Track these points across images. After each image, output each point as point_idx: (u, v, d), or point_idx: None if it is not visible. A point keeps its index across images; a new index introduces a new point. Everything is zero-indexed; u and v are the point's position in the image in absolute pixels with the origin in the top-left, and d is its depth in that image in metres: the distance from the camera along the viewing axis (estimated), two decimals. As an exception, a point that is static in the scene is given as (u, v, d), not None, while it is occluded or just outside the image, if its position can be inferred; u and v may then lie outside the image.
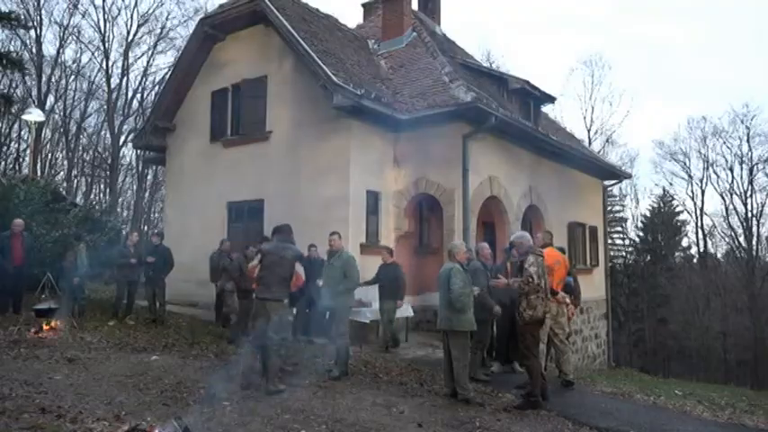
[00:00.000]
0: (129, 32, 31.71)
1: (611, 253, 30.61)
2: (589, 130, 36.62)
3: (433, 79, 12.95)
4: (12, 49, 26.83)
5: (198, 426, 4.37)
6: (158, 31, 32.50)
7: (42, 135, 30.77)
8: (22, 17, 23.15)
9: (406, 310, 10.68)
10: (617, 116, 61.08)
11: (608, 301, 18.00)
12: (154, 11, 34.69)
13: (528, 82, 14.40)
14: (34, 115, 19.85)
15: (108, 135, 32.52)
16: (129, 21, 35.40)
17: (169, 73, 19.89)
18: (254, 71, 13.16)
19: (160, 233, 12.24)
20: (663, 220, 36.75)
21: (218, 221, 13.30)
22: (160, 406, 5.48)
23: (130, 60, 32.19)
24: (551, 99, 15.98)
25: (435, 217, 12.38)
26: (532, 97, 14.81)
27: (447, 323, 6.41)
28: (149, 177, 34.17)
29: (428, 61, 13.81)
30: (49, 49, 39.65)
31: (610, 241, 28.13)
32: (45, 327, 8.93)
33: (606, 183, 19.24)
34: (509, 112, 12.94)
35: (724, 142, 35.84)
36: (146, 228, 30.61)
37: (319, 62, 11.33)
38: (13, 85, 28.43)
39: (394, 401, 6.17)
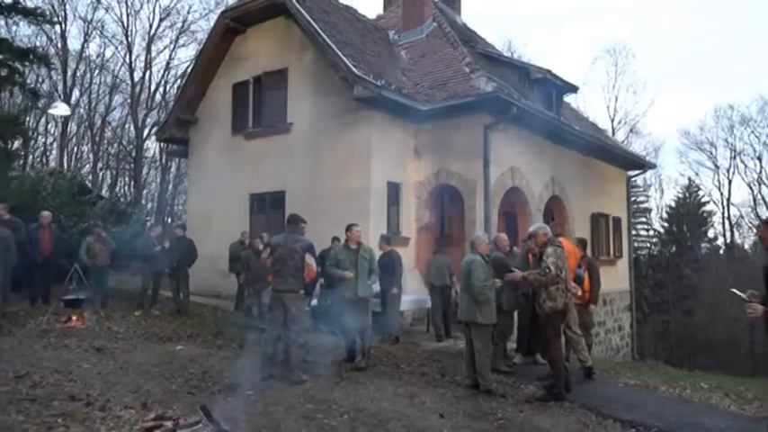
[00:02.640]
0: (151, 26, 32.08)
1: (636, 244, 30.22)
2: (613, 120, 36.18)
3: (454, 70, 12.87)
4: (38, 44, 27.26)
5: (223, 414, 4.43)
6: (180, 24, 32.80)
7: (68, 129, 31.33)
8: (48, 13, 23.53)
9: (427, 301, 10.69)
10: (641, 105, 59.92)
11: (632, 292, 17.80)
12: (175, 4, 35.09)
13: (550, 71, 14.23)
14: (60, 109, 20.22)
15: (132, 128, 32.97)
16: (152, 15, 35.80)
17: (191, 66, 20.08)
18: (275, 63, 13.21)
19: (183, 225, 12.41)
20: (688, 211, 36.17)
21: (241, 213, 13.42)
22: (186, 395, 5.58)
23: (153, 54, 32.60)
24: (574, 88, 15.77)
25: (456, 208, 12.34)
26: (555, 87, 14.64)
27: (469, 315, 6.40)
28: (173, 170, 34.59)
29: (449, 51, 13.72)
30: (74, 43, 40.21)
31: (634, 232, 27.78)
32: (73, 317, 9.14)
33: (630, 173, 18.98)
34: (531, 102, 12.82)
35: (752, 131, 35.18)
36: (169, 219, 30.99)
37: (339, 54, 11.33)
38: (40, 80, 28.93)
39: (415, 392, 6.19)
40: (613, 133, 32.76)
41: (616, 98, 36.67)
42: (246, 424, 4.63)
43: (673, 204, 37.26)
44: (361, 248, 7.57)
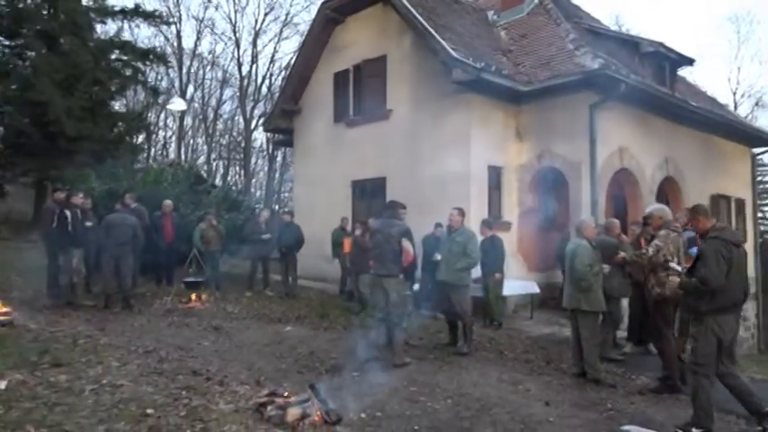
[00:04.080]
0: (256, 21, 33.59)
1: (762, 228, 27.74)
2: (735, 93, 33.41)
3: (557, 47, 12.39)
4: (156, 44, 29.29)
5: (330, 393, 4.61)
6: (283, 17, 33.98)
7: (184, 122, 33.47)
8: (165, 14, 25.18)
9: (531, 287, 10.47)
10: (768, 76, 54.75)
11: (758, 280, 16.39)
12: (279, -1, 36.20)
13: (662, 44, 13.32)
14: (177, 104, 21.68)
15: (241, 120, 34.71)
16: (257, 10, 37.16)
17: (294, 58, 20.73)
18: (374, 51, 13.34)
19: (291, 212, 12.93)
20: (823, 190, 32.64)
21: (343, 199, 13.77)
22: (295, 374, 5.86)
23: (259, 48, 34.14)
24: (689, 61, 14.66)
25: (561, 191, 11.93)
26: (668, 60, 13.70)
27: (574, 302, 6.21)
28: (279, 159, 36.08)
29: (551, 29, 13.21)
30: (188, 42, 42.78)
31: (760, 215, 25.48)
32: (193, 297, 9.84)
33: (755, 150, 17.41)
34: (641, 77, 12.08)
35: None
36: (277, 206, 32.40)
37: (438, 38, 11.24)
38: (159, 78, 31.10)
39: (520, 379, 6.12)
40: (735, 107, 30.18)
41: (738, 69, 33.81)
42: (352, 404, 4.78)
43: (806, 183, 33.79)
44: (456, 232, 7.52)
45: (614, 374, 6.52)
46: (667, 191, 13.60)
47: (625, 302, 7.68)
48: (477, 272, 9.34)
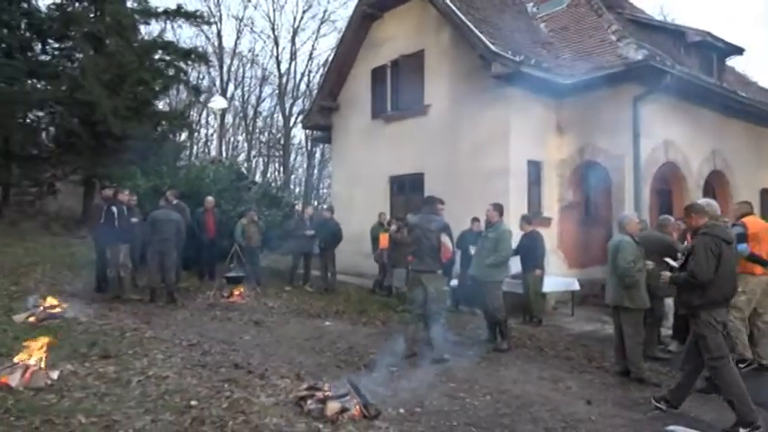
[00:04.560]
0: (295, 19, 33.85)
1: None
2: (788, 83, 31.94)
3: (599, 39, 12.12)
4: (197, 44, 29.88)
5: (369, 388, 4.64)
6: (321, 15, 34.21)
7: (225, 120, 34.06)
8: (206, 14, 25.67)
9: (571, 283, 10.31)
10: (826, 63, 52.16)
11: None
12: (317, -4, 36.46)
13: (709, 33, 12.90)
14: (218, 103, 22.06)
15: (280, 117, 35.12)
16: (296, 8, 37.48)
17: (331, 55, 20.84)
18: (412, 46, 13.31)
19: (330, 208, 13.04)
20: None
21: (381, 195, 13.80)
22: (334, 368, 5.92)
23: (297, 46, 34.41)
24: (738, 50, 14.16)
25: (603, 186, 11.69)
26: (715, 50, 13.27)
27: (617, 299, 6.08)
28: (317, 155, 36.40)
29: (592, 20, 12.93)
30: (228, 41, 43.53)
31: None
32: (235, 292, 10.02)
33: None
34: (687, 68, 11.72)
35: None
36: (315, 202, 32.71)
37: (476, 32, 11.14)
38: (200, 77, 31.72)
39: (560, 376, 6.03)
40: (789, 98, 28.93)
41: (793, 57, 32.20)
42: (391, 399, 4.81)
43: None
44: (490, 228, 7.49)
45: (659, 373, 6.36)
46: (715, 185, 13.19)
47: (670, 299, 7.47)
48: (516, 268, 9.27)
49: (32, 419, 3.82)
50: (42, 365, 4.68)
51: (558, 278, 10.47)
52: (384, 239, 11.15)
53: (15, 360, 4.69)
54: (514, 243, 9.03)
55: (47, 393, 4.38)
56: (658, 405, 5.01)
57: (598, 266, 10.45)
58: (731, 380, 4.57)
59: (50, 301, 7.49)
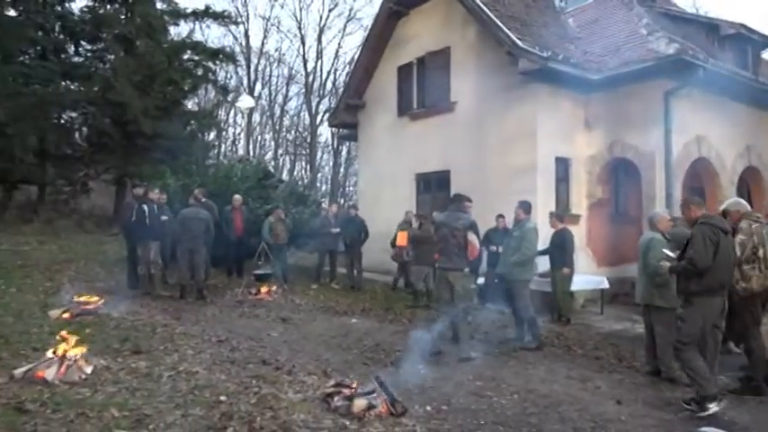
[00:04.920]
0: (321, 18, 33.98)
1: None
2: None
3: (629, 33, 11.90)
4: (225, 44, 30.23)
5: (395, 385, 4.64)
6: (347, 13, 34.30)
7: (253, 119, 34.41)
8: (233, 14, 25.95)
9: (601, 281, 10.17)
10: None
11: None
12: (343, -6, 36.54)
13: (744, 25, 12.57)
14: (246, 102, 22.28)
15: (306, 116, 35.34)
16: (322, 7, 37.58)
17: (357, 53, 20.89)
18: (438, 43, 13.26)
19: (355, 205, 13.08)
20: None
21: (408, 193, 13.79)
22: (361, 365, 5.94)
23: (323, 44, 34.57)
24: (774, 43, 13.77)
25: (633, 183, 11.49)
26: (750, 43, 12.91)
27: (648, 297, 5.98)
28: (343, 153, 36.55)
29: (622, 14, 12.71)
30: (255, 40, 43.92)
31: None
32: (262, 289, 10.13)
33: None
34: (721, 62, 11.44)
35: None
36: (342, 200, 32.85)
37: (503, 28, 11.05)
38: (228, 77, 32.08)
39: (589, 376, 5.95)
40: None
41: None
42: (418, 396, 4.81)
43: None
44: (516, 225, 7.44)
45: (691, 374, 6.23)
46: (749, 181, 12.88)
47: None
48: (545, 266, 9.19)
49: (67, 412, 3.92)
50: (77, 360, 4.78)
51: (586, 276, 10.33)
52: (402, 237, 11.14)
53: (51, 355, 4.81)
54: (545, 241, 9.00)
55: (81, 387, 4.48)
56: (688, 406, 4.91)
57: (628, 264, 10.28)
58: (694, 363, 4.90)
59: (85, 297, 7.66)
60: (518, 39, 10.75)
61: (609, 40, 12.15)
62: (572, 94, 11.57)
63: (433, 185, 13.35)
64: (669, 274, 5.40)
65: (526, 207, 7.51)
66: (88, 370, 4.81)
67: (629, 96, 11.01)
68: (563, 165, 11.59)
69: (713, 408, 4.76)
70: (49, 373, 4.54)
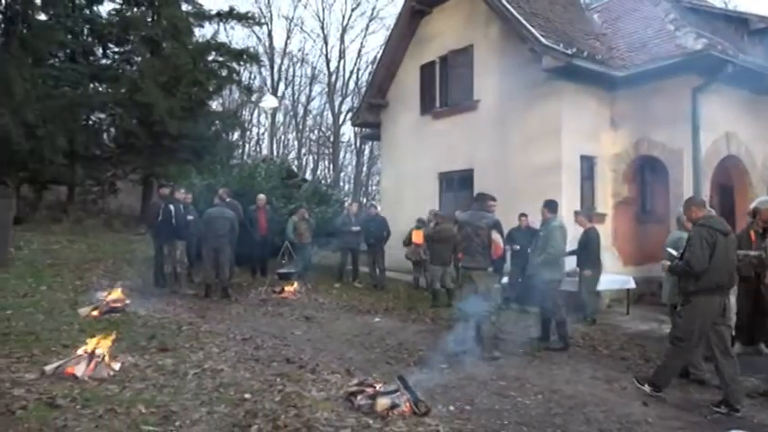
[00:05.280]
0: (344, 17, 34.10)
1: None
2: None
3: (655, 29, 11.70)
4: (249, 44, 30.50)
5: (418, 385, 4.64)
6: (369, 12, 34.34)
7: (276, 119, 34.66)
8: (257, 15, 26.16)
9: (627, 281, 10.03)
10: None
11: None
12: (365, -6, 36.58)
13: (775, 19, 12.26)
14: (270, 102, 22.45)
15: (329, 115, 35.49)
16: (344, 6, 37.68)
17: (380, 52, 20.90)
18: (461, 41, 13.20)
19: (375, 204, 13.08)
20: None
21: (431, 192, 13.75)
22: (384, 364, 5.95)
23: (346, 44, 34.68)
24: (808, 37, 13.38)
25: (659, 181, 11.31)
26: (782, 36, 12.58)
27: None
28: (366, 152, 36.64)
29: (648, 9, 12.50)
30: (278, 40, 44.26)
31: None
32: (286, 288, 10.20)
33: None
34: (751, 56, 11.18)
35: None
36: (364, 199, 32.92)
37: (527, 25, 10.95)
38: (252, 77, 32.37)
39: (615, 376, 5.88)
40: None
41: None
42: (441, 396, 4.80)
43: None
44: (543, 225, 7.37)
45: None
46: (781, 179, 12.55)
47: (733, 298, 7.17)
48: (570, 265, 9.10)
49: (97, 408, 4.00)
50: (105, 357, 4.88)
51: (612, 276, 10.20)
52: (418, 236, 11.18)
53: (80, 352, 4.91)
54: (574, 240, 8.92)
55: (109, 384, 4.57)
56: (718, 409, 4.82)
57: (654, 264, 10.11)
58: (676, 359, 5.22)
59: (113, 295, 7.81)
60: (542, 36, 10.65)
61: (635, 36, 11.97)
62: (597, 91, 11.43)
63: (456, 184, 13.30)
64: (670, 274, 5.55)
65: (552, 206, 7.43)
66: (116, 367, 4.90)
67: (655, 93, 10.82)
68: (588, 163, 11.45)
69: (646, 389, 5.21)
70: (79, 370, 4.64)
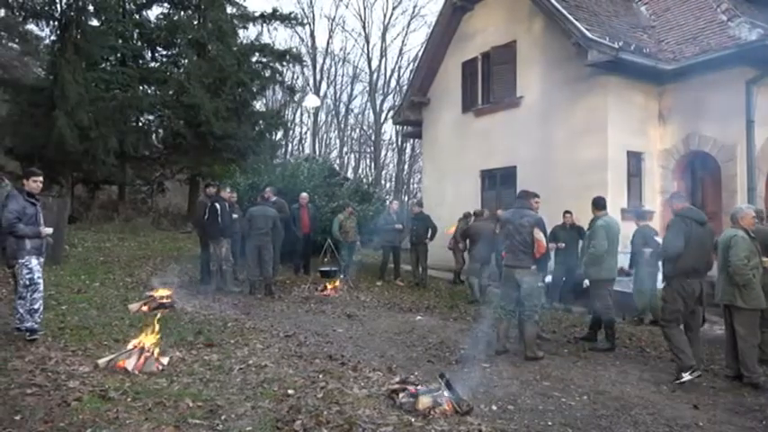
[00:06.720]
0: (385, 16, 34.13)
1: None
2: None
3: (707, 19, 11.30)
4: (292, 45, 30.87)
5: (460, 383, 4.61)
6: (411, 10, 34.30)
7: (318, 118, 34.98)
8: (299, 16, 26.47)
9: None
10: None
11: None
12: (407, -8, 36.53)
13: (838, 6, 11.67)
14: (312, 101, 22.67)
15: (371, 114, 35.60)
16: (386, 5, 37.71)
17: (422, 50, 20.84)
18: (503, 37, 13.04)
19: (419, 202, 13.06)
20: None
21: (472, 189, 13.64)
22: (425, 362, 5.94)
23: (387, 42, 34.75)
24: None
25: (711, 177, 10.92)
26: None
27: (729, 298, 5.66)
28: (407, 150, 36.57)
29: (699, 0, 12.07)
30: (320, 40, 44.65)
31: None
32: (328, 286, 10.30)
33: None
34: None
35: None
36: (406, 197, 32.92)
37: (571, 19, 10.74)
38: (294, 77, 32.75)
39: (664, 379, 5.71)
40: None
41: None
42: (483, 395, 4.76)
43: None
44: (591, 223, 7.23)
45: (776, 379, 5.88)
46: (843, 174, 11.95)
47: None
48: (624, 264, 8.92)
49: (146, 401, 4.12)
50: (154, 352, 5.02)
51: (660, 275, 9.89)
52: (453, 228, 11.68)
53: (131, 346, 5.07)
54: (626, 239, 8.74)
55: (158, 378, 4.70)
56: None
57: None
58: (676, 339, 5.56)
59: (161, 292, 8.03)
60: (587, 29, 10.43)
61: (685, 28, 11.58)
62: (644, 85, 11.12)
63: (499, 181, 13.16)
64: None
65: (599, 203, 7.27)
66: (165, 361, 5.04)
67: (707, 86, 10.45)
68: (635, 159, 11.16)
69: (686, 377, 5.39)
70: (129, 364, 4.80)
